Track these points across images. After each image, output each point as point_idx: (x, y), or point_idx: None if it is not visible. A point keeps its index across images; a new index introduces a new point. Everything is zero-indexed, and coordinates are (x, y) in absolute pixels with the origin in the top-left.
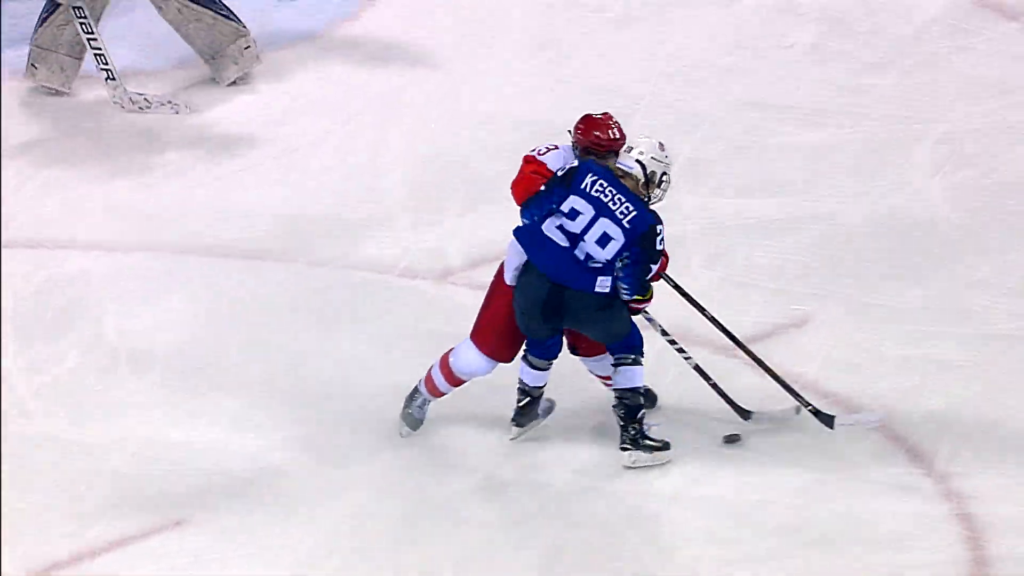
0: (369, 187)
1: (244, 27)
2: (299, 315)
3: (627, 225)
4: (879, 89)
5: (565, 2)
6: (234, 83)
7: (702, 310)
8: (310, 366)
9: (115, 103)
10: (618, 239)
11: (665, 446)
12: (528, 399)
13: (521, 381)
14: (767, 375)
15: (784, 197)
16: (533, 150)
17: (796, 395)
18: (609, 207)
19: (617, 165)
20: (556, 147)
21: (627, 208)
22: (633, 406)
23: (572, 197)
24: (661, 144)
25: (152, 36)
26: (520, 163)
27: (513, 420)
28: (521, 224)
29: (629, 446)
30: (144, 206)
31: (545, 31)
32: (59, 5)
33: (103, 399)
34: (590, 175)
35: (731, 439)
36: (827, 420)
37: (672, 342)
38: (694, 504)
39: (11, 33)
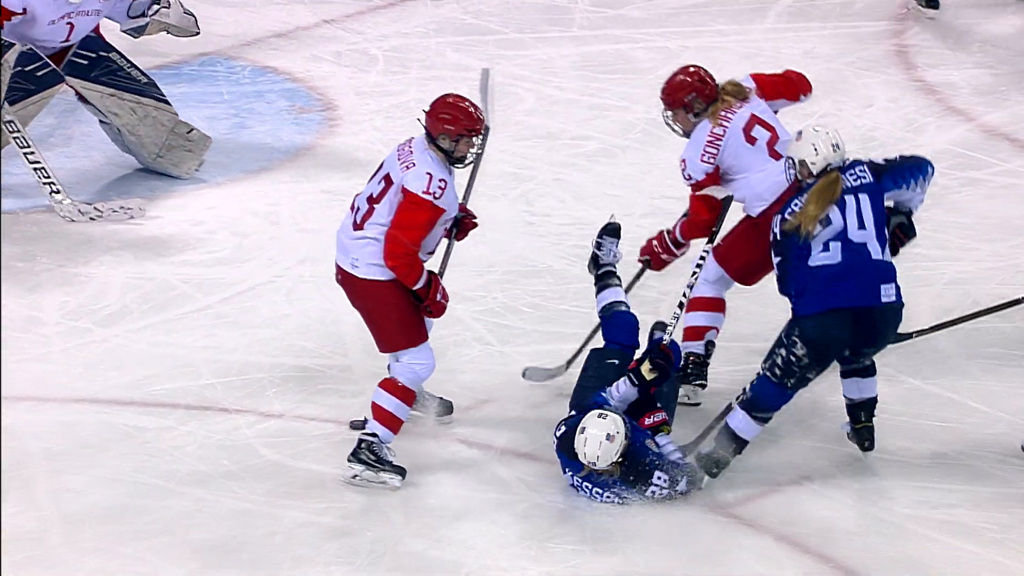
0: (325, 334)
1: (172, 107)
2: (249, 471)
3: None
4: None
5: (541, 138)
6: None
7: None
8: (262, 528)
9: (63, 217)
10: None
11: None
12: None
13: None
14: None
15: None
16: (428, 193)
17: None
18: (599, 491)
19: (592, 468)
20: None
21: (610, 495)
22: None
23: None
24: (608, 436)
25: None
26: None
27: None
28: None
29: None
30: (78, 354)
31: (521, 168)
32: None
33: (35, 563)
34: (568, 472)
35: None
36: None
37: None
38: None
39: None
